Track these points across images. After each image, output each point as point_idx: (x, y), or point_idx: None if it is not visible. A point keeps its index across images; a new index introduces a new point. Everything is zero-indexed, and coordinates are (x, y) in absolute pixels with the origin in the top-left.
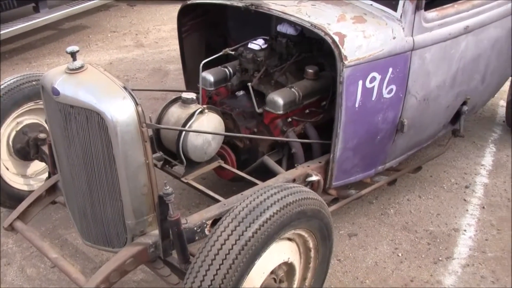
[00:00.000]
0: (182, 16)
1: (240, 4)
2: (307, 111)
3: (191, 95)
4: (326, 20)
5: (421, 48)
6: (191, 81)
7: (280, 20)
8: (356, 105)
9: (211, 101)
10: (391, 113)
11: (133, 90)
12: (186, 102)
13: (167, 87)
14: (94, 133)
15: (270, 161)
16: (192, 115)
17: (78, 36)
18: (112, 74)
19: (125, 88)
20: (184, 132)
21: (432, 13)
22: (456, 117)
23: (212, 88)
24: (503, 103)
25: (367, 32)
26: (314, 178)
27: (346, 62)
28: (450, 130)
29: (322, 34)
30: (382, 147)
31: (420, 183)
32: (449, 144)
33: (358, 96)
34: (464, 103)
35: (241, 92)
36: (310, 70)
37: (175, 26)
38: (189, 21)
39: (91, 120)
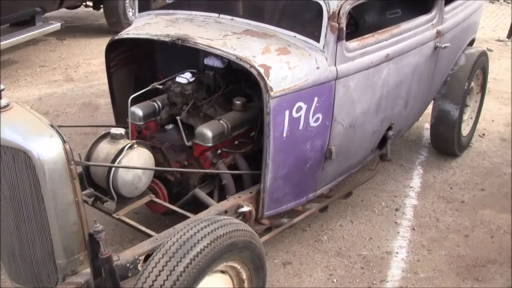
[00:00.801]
0: (110, 51)
1: (167, 39)
2: (236, 142)
3: (120, 131)
4: (251, 53)
5: (344, 77)
6: (121, 116)
7: (208, 53)
8: (284, 135)
9: (140, 136)
10: (319, 141)
11: (61, 126)
12: (115, 137)
13: (98, 121)
14: (21, 172)
15: (201, 194)
16: (121, 150)
17: (6, 72)
18: (41, 110)
19: (52, 126)
20: (114, 168)
21: (353, 43)
22: (383, 142)
23: (142, 123)
24: (427, 125)
25: (291, 63)
26: (245, 209)
27: (271, 93)
28: (378, 154)
29: (247, 66)
30: (312, 175)
31: (352, 208)
32: (378, 168)
33: (286, 126)
34: (390, 128)
35: (170, 126)
36: (238, 102)
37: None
38: (117, 56)
39: (18, 159)
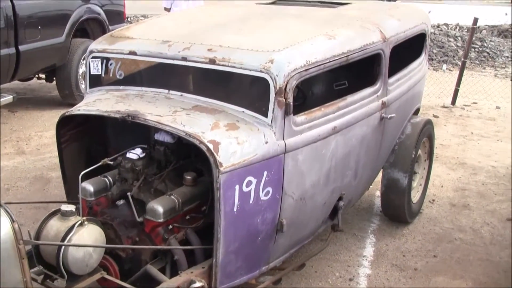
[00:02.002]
0: (61, 126)
1: (117, 115)
2: (187, 217)
3: (70, 207)
4: (201, 129)
5: (293, 150)
6: (72, 191)
7: (158, 128)
8: (235, 209)
9: (91, 212)
10: (269, 214)
11: (10, 203)
12: (66, 214)
13: (49, 195)
14: None
15: (153, 270)
16: (72, 227)
17: None
18: None
19: None
20: (64, 246)
21: (301, 117)
22: (334, 212)
23: (92, 198)
24: (378, 193)
25: (240, 138)
26: (197, 284)
27: (221, 169)
28: (329, 225)
29: (197, 142)
30: (264, 248)
31: (306, 279)
32: (330, 238)
33: (236, 200)
34: (340, 198)
35: (122, 201)
36: (188, 177)
37: None
38: (68, 131)
39: None
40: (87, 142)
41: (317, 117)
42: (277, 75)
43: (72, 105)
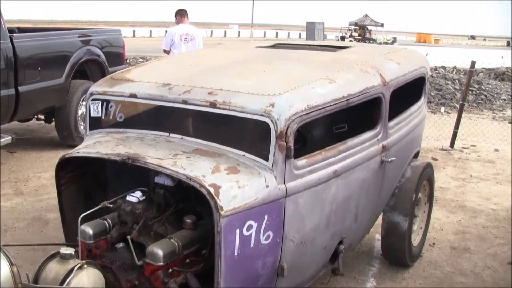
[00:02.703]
0: (60, 169)
1: (117, 158)
2: (187, 260)
3: (69, 250)
4: (201, 172)
5: (293, 194)
6: (71, 234)
7: (158, 171)
8: (235, 253)
9: (90, 255)
10: (270, 258)
11: (8, 246)
12: (65, 257)
13: (47, 237)
14: None
15: None
16: (71, 271)
17: None
18: None
19: None
20: None
21: (301, 161)
22: (335, 256)
23: (92, 241)
24: (378, 236)
25: (241, 182)
26: None
27: (222, 213)
28: (330, 268)
29: (197, 186)
30: None
31: None
32: (330, 282)
33: (237, 244)
34: (341, 242)
35: (121, 244)
36: (189, 220)
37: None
38: (68, 173)
39: None
40: (87, 185)
41: (317, 161)
42: (278, 119)
43: (72, 146)
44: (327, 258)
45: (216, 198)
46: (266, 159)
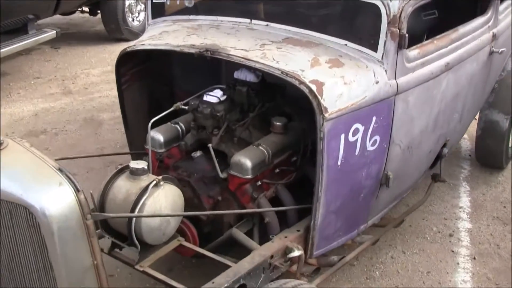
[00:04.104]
0: (121, 64)
1: (192, 51)
2: (277, 170)
3: (142, 164)
4: (298, 66)
5: (404, 91)
6: (135, 140)
7: (236, 65)
8: (339, 163)
9: (162, 165)
10: (375, 166)
11: (64, 159)
12: (136, 173)
13: (103, 140)
14: (22, 232)
15: (240, 235)
16: (145, 189)
17: None
18: (38, 128)
19: (60, 170)
20: (137, 210)
21: (413, 51)
22: (435, 160)
23: (163, 150)
24: (465, 135)
25: (347, 78)
26: (296, 253)
27: (326, 115)
28: (429, 175)
29: (296, 83)
30: (366, 205)
31: (401, 235)
32: (430, 191)
33: (341, 152)
34: (444, 145)
35: (198, 153)
36: (278, 123)
37: (105, 69)
38: (129, 69)
39: (17, 216)
40: (150, 82)
41: (429, 52)
42: (390, 1)
43: (120, 40)
44: (430, 163)
45: (319, 97)
46: (375, 50)
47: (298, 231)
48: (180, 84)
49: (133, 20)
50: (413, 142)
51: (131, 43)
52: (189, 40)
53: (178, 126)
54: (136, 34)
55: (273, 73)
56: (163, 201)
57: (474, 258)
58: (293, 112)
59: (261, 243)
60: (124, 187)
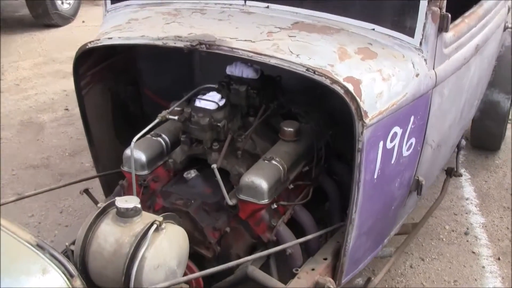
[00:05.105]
0: (79, 64)
1: (180, 44)
2: (291, 186)
3: (133, 202)
4: (325, 60)
5: (441, 82)
6: (101, 157)
7: (217, 56)
8: (375, 176)
9: (147, 192)
10: (407, 173)
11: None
12: (126, 215)
13: (48, 147)
14: None
15: (258, 273)
16: (143, 237)
17: None
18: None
19: (41, 247)
20: (135, 266)
21: (449, 34)
22: None
23: (146, 172)
24: None
25: (384, 72)
26: None
27: (367, 121)
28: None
29: (328, 82)
30: (394, 216)
31: (414, 239)
32: (446, 187)
33: (378, 163)
34: (462, 136)
35: (193, 173)
36: (290, 129)
37: (36, 61)
38: (88, 70)
39: None
40: (113, 83)
41: (463, 33)
42: None
43: (49, 26)
44: (449, 157)
45: (357, 99)
46: (412, 35)
47: (325, 259)
48: (147, 82)
49: (62, 3)
50: (443, 139)
51: (92, 39)
52: (171, 30)
53: (161, 140)
54: (67, 18)
55: (296, 71)
56: (167, 249)
57: (499, 259)
58: (300, 112)
59: (279, 277)
60: (112, 234)
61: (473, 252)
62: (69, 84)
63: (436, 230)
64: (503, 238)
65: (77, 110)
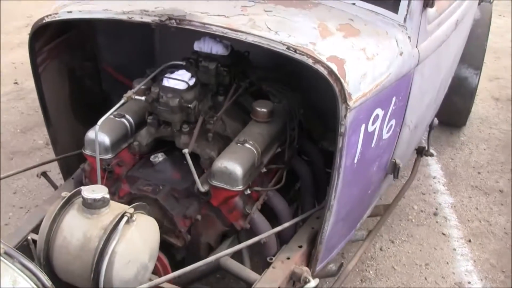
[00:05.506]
0: (35, 39)
1: (148, 19)
2: (264, 169)
3: (101, 192)
4: (305, 37)
5: (423, 61)
6: (59, 138)
7: (181, 31)
8: (355, 161)
9: (112, 177)
10: (385, 156)
11: None
12: (94, 206)
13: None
14: None
15: (231, 263)
16: (113, 230)
17: None
18: None
19: (9, 256)
20: (105, 262)
21: (432, 10)
22: None
23: (110, 155)
24: None
25: (368, 50)
26: (312, 284)
27: (350, 104)
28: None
29: (310, 62)
30: (369, 201)
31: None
32: (417, 167)
33: (359, 147)
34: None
35: (160, 157)
36: (263, 109)
37: None
38: (45, 45)
39: None
40: (69, 59)
41: (444, 8)
42: None
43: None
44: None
45: (342, 80)
46: (396, 11)
47: (300, 246)
48: (105, 57)
49: None
50: (419, 119)
51: (46, 12)
52: (135, 3)
53: (125, 121)
54: None
55: (276, 50)
56: (139, 242)
57: (470, 241)
58: (272, 90)
59: (252, 266)
60: (78, 227)
61: (443, 234)
62: (18, 56)
63: (404, 211)
64: (473, 219)
65: (27, 84)
